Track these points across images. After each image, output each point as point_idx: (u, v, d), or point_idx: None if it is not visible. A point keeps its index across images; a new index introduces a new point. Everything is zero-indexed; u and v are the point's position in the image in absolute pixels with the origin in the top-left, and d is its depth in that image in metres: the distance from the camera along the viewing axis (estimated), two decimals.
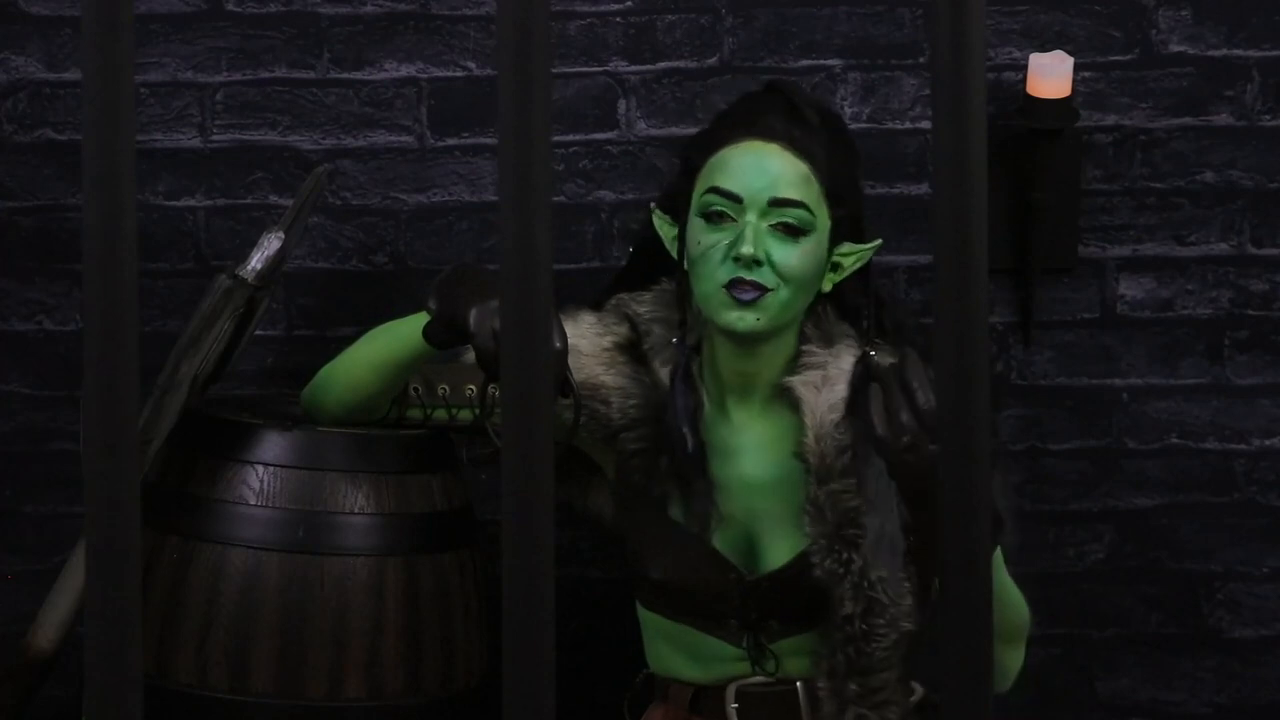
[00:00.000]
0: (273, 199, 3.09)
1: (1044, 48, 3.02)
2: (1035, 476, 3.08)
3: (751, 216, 2.23)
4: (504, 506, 0.85)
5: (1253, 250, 3.07)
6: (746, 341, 2.29)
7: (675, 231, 2.36)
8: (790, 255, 2.24)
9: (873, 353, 2.26)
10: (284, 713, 2.52)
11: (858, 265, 2.32)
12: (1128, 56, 3.06)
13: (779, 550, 2.32)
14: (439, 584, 2.60)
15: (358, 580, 2.54)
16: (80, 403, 3.03)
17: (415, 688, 2.57)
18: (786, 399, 2.32)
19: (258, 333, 2.87)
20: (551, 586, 0.85)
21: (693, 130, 3.09)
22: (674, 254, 2.36)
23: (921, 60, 3.05)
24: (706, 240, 2.26)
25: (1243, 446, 3.08)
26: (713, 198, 2.26)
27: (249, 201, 3.11)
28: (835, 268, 2.30)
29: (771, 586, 2.32)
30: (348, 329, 3.11)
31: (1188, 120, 3.06)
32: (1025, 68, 2.97)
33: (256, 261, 2.64)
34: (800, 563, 2.30)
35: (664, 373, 2.35)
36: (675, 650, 2.40)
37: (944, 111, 0.85)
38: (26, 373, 3.12)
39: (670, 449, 2.31)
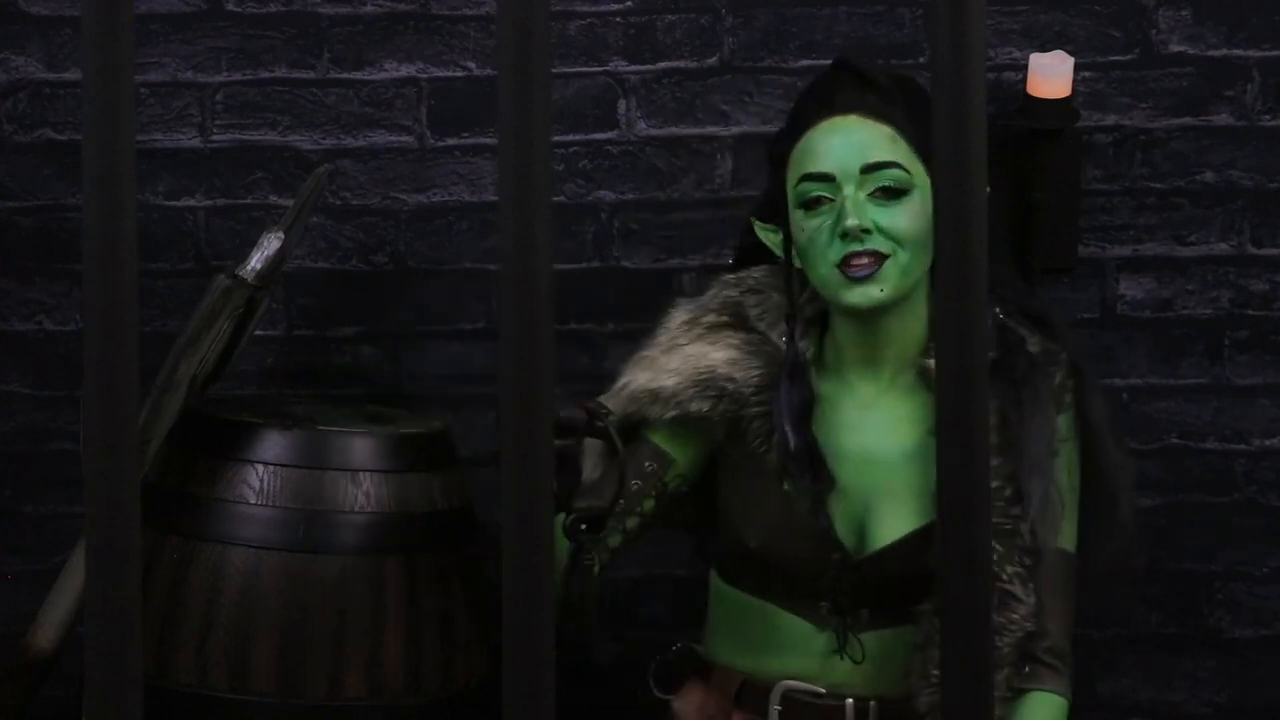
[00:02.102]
0: (273, 199, 3.09)
1: (1044, 48, 3.02)
2: None
3: (849, 189, 2.20)
4: (504, 506, 0.85)
5: (1253, 250, 3.07)
6: (872, 317, 2.23)
7: (779, 235, 2.31)
8: (897, 217, 2.19)
9: (1001, 313, 2.23)
10: (284, 712, 2.52)
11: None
12: (1128, 56, 3.06)
13: (891, 528, 2.24)
14: (439, 584, 2.60)
15: (358, 580, 2.54)
16: (80, 403, 3.03)
17: (415, 687, 2.57)
18: (922, 375, 2.26)
19: (258, 333, 2.87)
20: (551, 586, 0.85)
21: (693, 130, 3.09)
22: (783, 256, 2.30)
23: (921, 60, 3.05)
24: (810, 226, 2.22)
25: (1243, 446, 3.07)
26: (806, 185, 2.23)
27: (249, 201, 3.11)
28: None
29: (874, 567, 2.24)
30: (348, 329, 3.11)
31: (1188, 120, 3.06)
32: (1025, 68, 2.97)
33: (256, 261, 2.64)
34: (913, 541, 2.22)
35: (781, 340, 2.29)
36: (740, 633, 2.30)
37: (944, 111, 0.85)
38: (26, 373, 3.12)
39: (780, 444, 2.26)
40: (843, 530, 2.25)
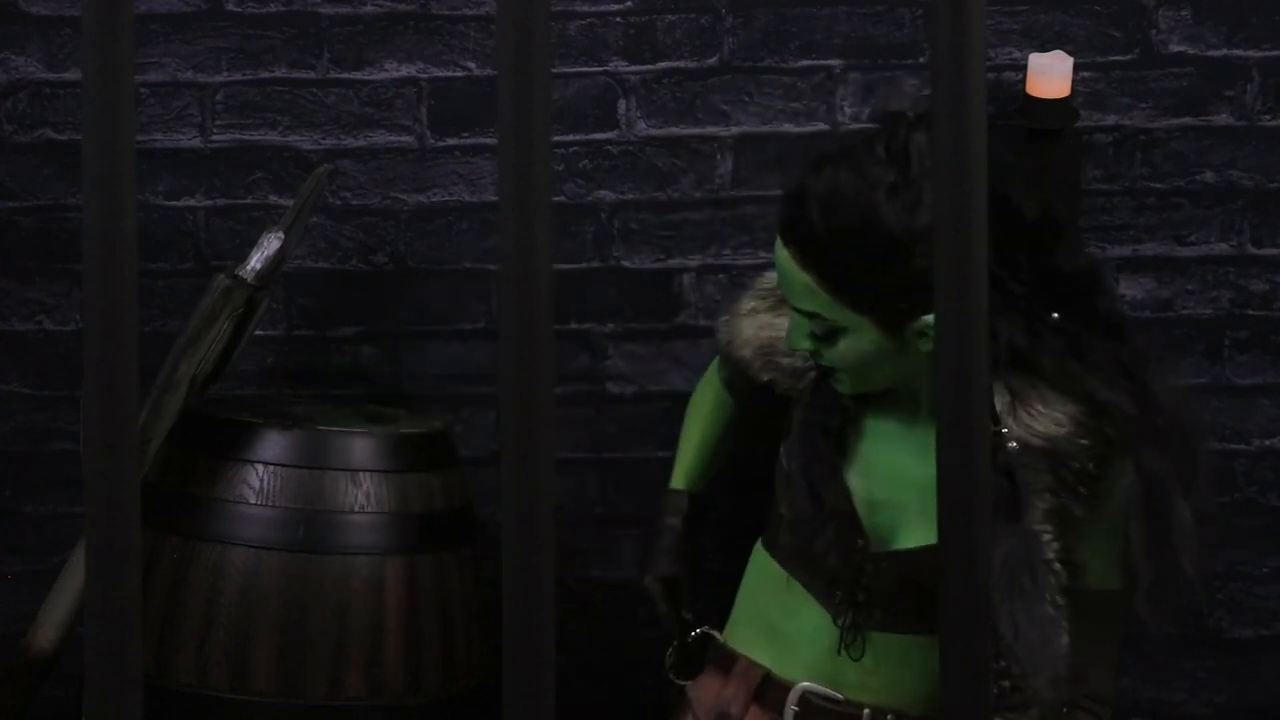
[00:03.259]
0: (273, 199, 3.09)
1: (1044, 48, 3.02)
2: None
3: (794, 314, 2.21)
4: (504, 506, 0.85)
5: (1253, 250, 3.07)
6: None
7: None
8: (835, 353, 2.19)
9: (1004, 430, 2.14)
10: (284, 712, 2.52)
11: None
12: (1128, 56, 3.06)
13: (919, 536, 2.22)
14: (439, 583, 2.60)
15: (358, 579, 2.54)
16: (80, 403, 3.03)
17: (415, 687, 2.57)
18: None
19: (258, 333, 2.87)
20: (551, 586, 0.85)
21: (693, 130, 3.09)
22: None
23: (921, 60, 3.05)
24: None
25: (1243, 446, 3.08)
26: None
27: (249, 201, 3.11)
28: (926, 334, 2.17)
29: (895, 566, 2.22)
30: (348, 329, 3.11)
31: (1188, 120, 3.06)
32: (1025, 68, 2.97)
33: (256, 261, 2.64)
34: (932, 554, 2.20)
35: None
36: (762, 616, 2.30)
37: (944, 111, 0.85)
38: (26, 373, 3.12)
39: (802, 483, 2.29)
40: (871, 530, 2.25)
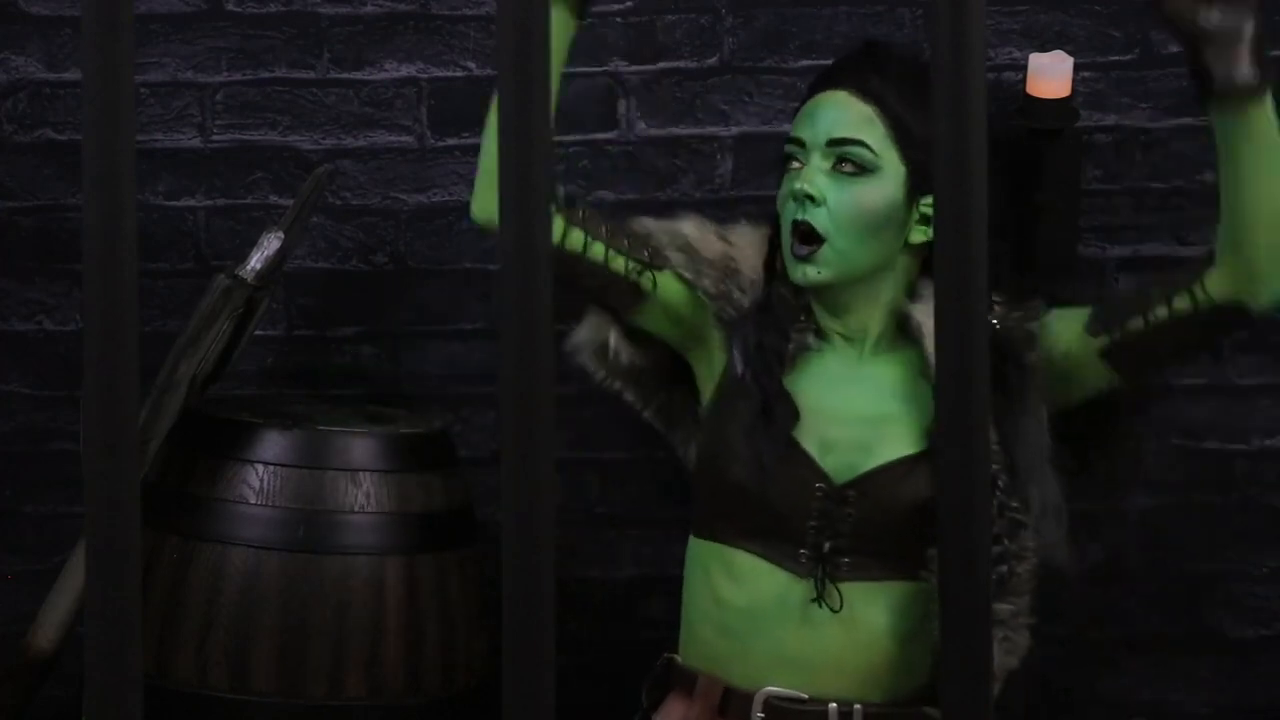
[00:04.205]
0: (273, 199, 3.09)
1: (1044, 48, 3.02)
2: None
3: (814, 158, 2.25)
4: (504, 506, 0.85)
5: None
6: (829, 293, 2.27)
7: None
8: (848, 196, 2.23)
9: (995, 322, 2.24)
10: (284, 712, 2.52)
11: None
12: (1128, 56, 3.06)
13: (880, 456, 2.22)
14: (439, 583, 2.60)
15: (358, 579, 2.55)
16: (80, 403, 3.03)
17: (415, 687, 2.57)
18: (906, 334, 2.27)
19: (258, 333, 2.87)
20: (551, 586, 0.85)
21: (693, 130, 3.09)
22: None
23: (921, 60, 3.05)
24: (783, 187, 2.29)
25: (1243, 446, 3.08)
26: (787, 147, 2.30)
27: (249, 201, 3.11)
28: (927, 220, 2.25)
29: (862, 495, 2.21)
30: (348, 329, 3.11)
31: (1188, 120, 3.05)
32: (1025, 68, 2.97)
33: (256, 261, 2.64)
34: (904, 466, 2.20)
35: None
36: (716, 618, 2.25)
37: (944, 111, 0.85)
38: (26, 373, 3.12)
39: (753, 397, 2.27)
40: (830, 468, 2.23)
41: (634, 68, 3.08)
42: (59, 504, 3.10)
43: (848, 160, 2.24)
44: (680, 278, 2.33)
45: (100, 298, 0.84)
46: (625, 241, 2.33)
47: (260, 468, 2.57)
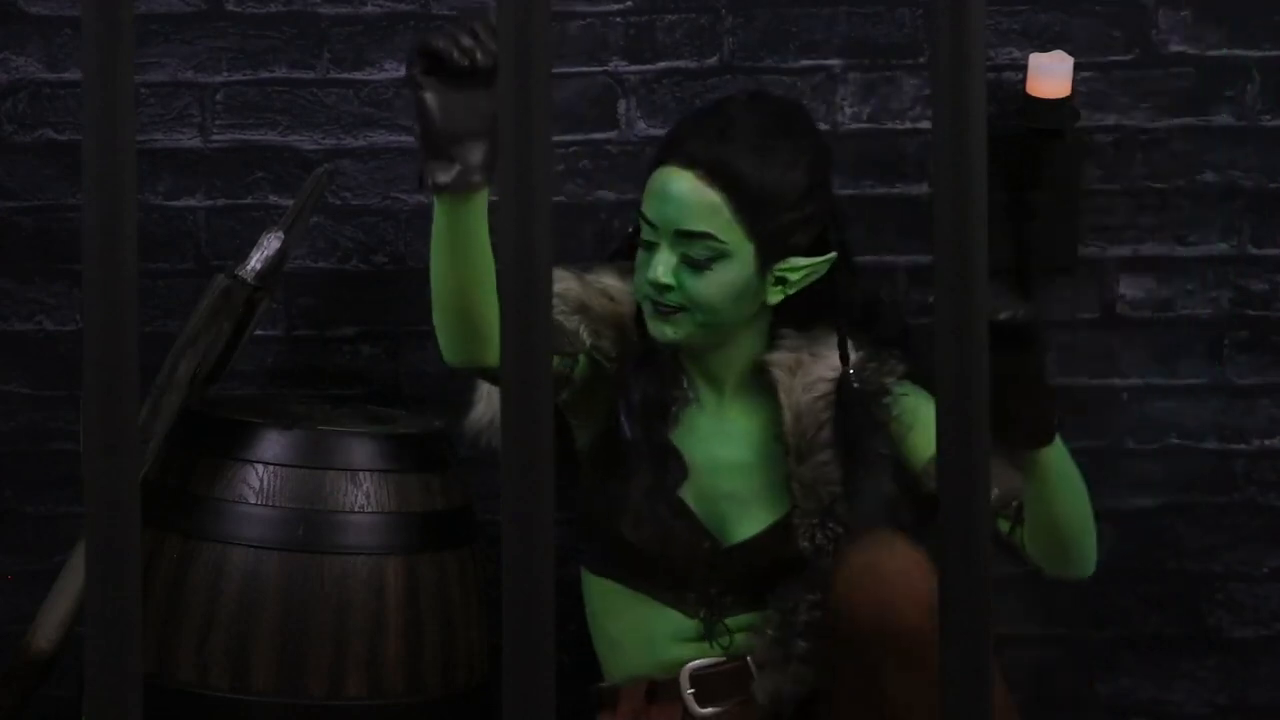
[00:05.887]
0: (273, 199, 3.09)
1: (1044, 48, 3.02)
2: None
3: (664, 245, 2.31)
4: (504, 506, 0.85)
5: (1253, 250, 3.07)
6: (690, 349, 2.38)
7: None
8: (700, 283, 2.32)
9: (851, 371, 2.36)
10: (284, 712, 2.52)
11: (810, 278, 2.36)
12: (1128, 56, 3.06)
13: (751, 523, 2.38)
14: (439, 583, 2.60)
15: (358, 579, 2.55)
16: (80, 403, 3.03)
17: (415, 687, 2.57)
18: (763, 382, 2.39)
19: (258, 333, 2.87)
20: (551, 586, 0.85)
21: None
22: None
23: (921, 60, 3.05)
24: (640, 256, 2.36)
25: (1243, 446, 3.07)
26: (642, 222, 2.35)
27: (249, 201, 3.11)
28: (781, 281, 2.32)
29: (741, 557, 2.36)
30: (348, 329, 3.11)
31: (1188, 120, 3.05)
32: (1025, 68, 2.97)
33: (256, 261, 2.64)
34: (774, 534, 2.37)
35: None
36: (626, 633, 2.42)
37: (944, 111, 0.85)
38: (26, 373, 3.12)
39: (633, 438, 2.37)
40: (713, 526, 2.39)
41: (634, 68, 3.08)
42: (59, 504, 3.10)
43: (693, 254, 2.30)
44: (586, 351, 2.41)
45: (100, 298, 0.84)
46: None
47: (260, 468, 2.57)
